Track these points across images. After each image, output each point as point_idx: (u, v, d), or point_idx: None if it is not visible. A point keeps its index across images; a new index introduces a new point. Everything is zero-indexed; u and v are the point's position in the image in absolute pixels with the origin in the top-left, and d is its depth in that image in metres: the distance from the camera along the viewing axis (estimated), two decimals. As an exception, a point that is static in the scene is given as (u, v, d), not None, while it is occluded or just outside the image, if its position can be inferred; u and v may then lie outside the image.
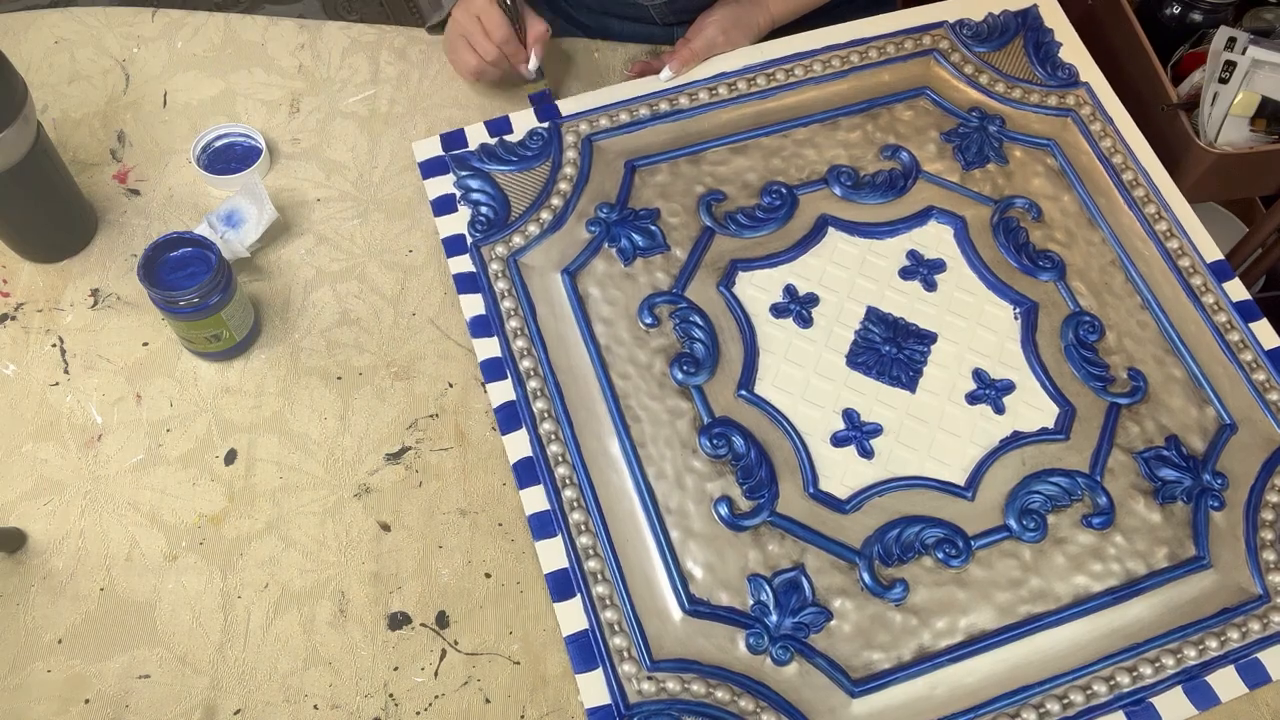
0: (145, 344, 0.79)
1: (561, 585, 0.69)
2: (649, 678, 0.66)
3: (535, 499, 0.72)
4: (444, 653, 0.70)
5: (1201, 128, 1.08)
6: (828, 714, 0.66)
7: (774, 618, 0.69)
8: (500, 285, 0.79)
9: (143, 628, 0.69)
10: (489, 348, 0.77)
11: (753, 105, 0.89)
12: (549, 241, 0.81)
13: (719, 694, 0.66)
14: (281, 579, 0.71)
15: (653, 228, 0.82)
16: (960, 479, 0.74)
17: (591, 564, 0.70)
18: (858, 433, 0.75)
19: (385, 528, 0.73)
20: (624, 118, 0.87)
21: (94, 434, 0.75)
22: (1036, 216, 0.85)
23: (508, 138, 0.86)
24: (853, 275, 0.81)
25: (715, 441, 0.74)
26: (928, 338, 0.79)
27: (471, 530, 0.74)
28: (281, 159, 0.89)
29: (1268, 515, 0.74)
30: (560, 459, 0.73)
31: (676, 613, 0.69)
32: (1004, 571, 0.71)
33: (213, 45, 0.95)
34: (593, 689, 0.66)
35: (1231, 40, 1.08)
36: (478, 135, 0.86)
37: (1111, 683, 0.69)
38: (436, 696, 0.68)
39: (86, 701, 0.67)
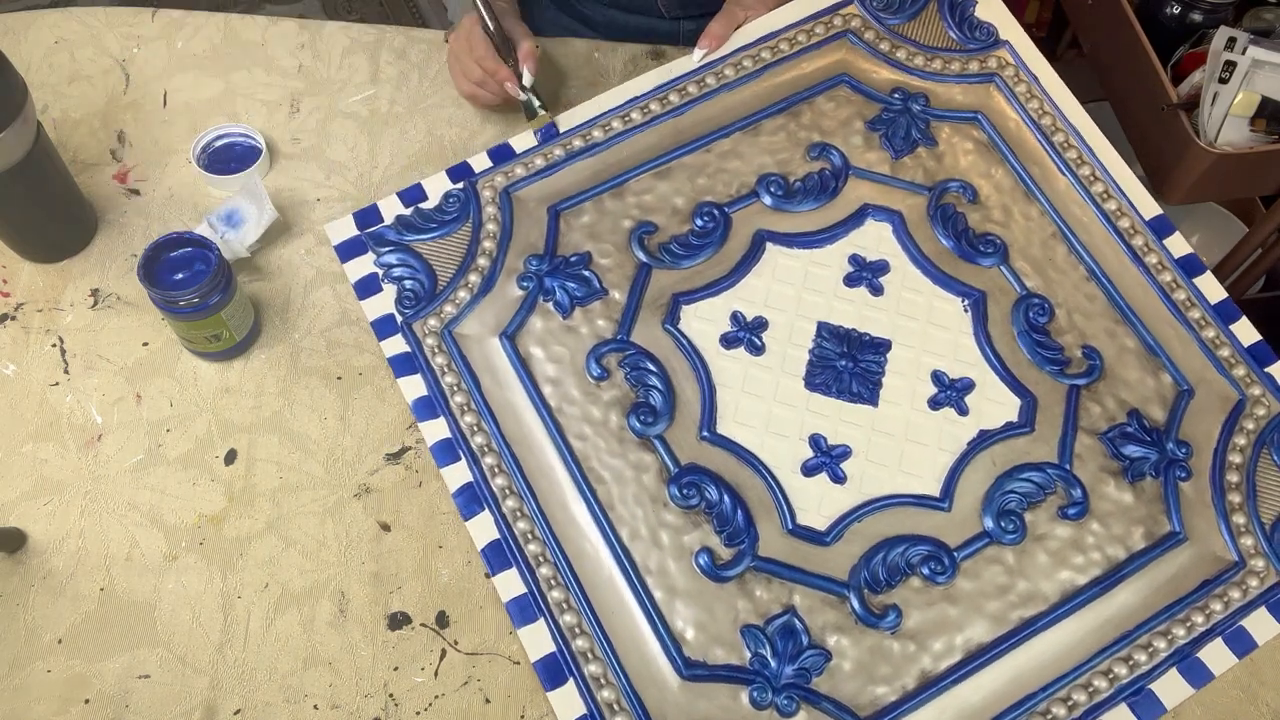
0: (145, 344, 0.79)
1: (553, 671, 0.67)
2: None
3: (510, 583, 0.69)
4: (444, 653, 0.70)
5: (1201, 128, 1.08)
6: None
7: (774, 667, 0.67)
8: (439, 361, 0.75)
9: (143, 628, 0.69)
10: (437, 429, 0.74)
11: (669, 124, 0.85)
12: (481, 305, 0.77)
13: None
14: (281, 579, 0.71)
15: (586, 273, 0.78)
16: (935, 489, 0.73)
17: (580, 643, 0.67)
18: (827, 458, 0.74)
19: (385, 528, 0.73)
20: (539, 163, 0.83)
21: (94, 434, 0.75)
22: (971, 198, 0.82)
23: (423, 205, 0.82)
24: (798, 290, 0.79)
25: (685, 491, 0.71)
26: (882, 345, 0.78)
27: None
28: (281, 159, 0.89)
29: (1233, 477, 0.75)
30: (530, 536, 0.70)
31: (674, 679, 0.67)
32: (991, 579, 0.71)
33: (213, 45, 0.95)
34: None
35: (1231, 40, 1.08)
36: (392, 208, 0.82)
37: (1110, 676, 0.69)
38: (436, 696, 0.68)
39: (86, 701, 0.67)
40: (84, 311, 0.80)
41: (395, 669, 0.69)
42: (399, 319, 0.77)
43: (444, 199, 0.82)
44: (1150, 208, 0.83)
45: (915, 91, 0.87)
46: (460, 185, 0.83)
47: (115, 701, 0.67)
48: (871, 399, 0.76)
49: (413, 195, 0.83)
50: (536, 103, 0.85)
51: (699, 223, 0.81)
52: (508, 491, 0.72)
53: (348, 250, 0.81)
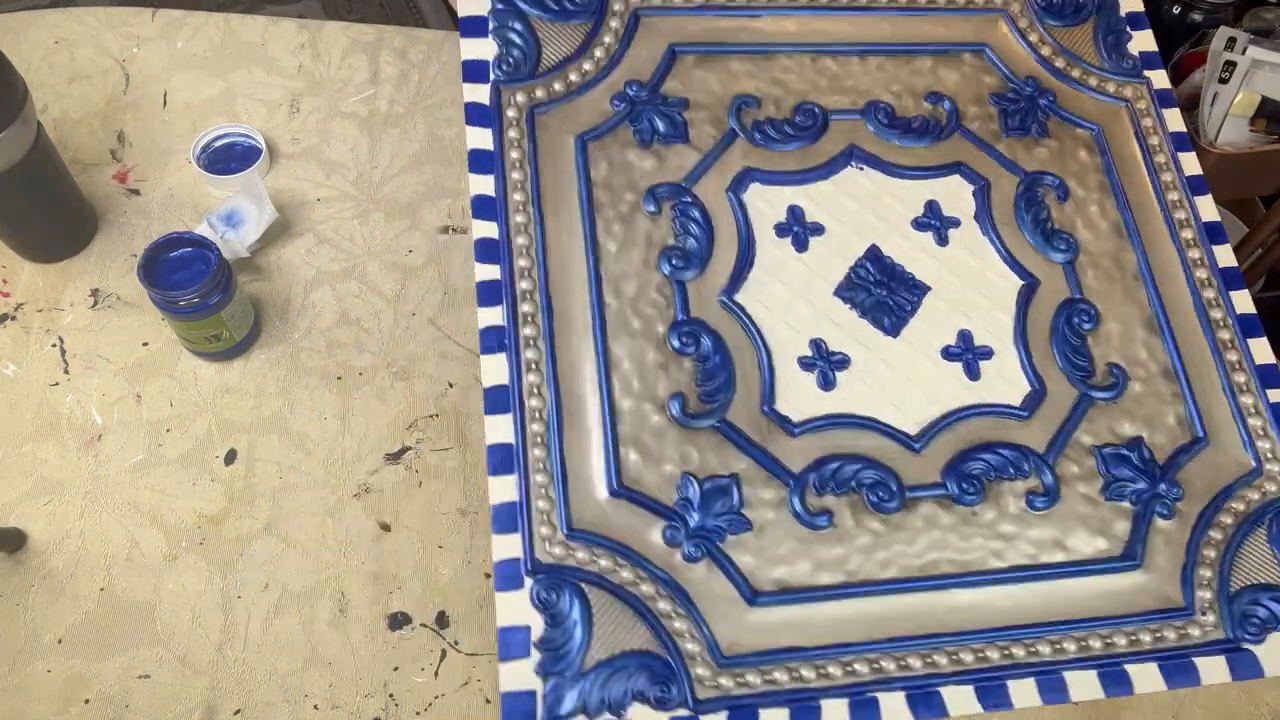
0: (145, 344, 0.79)
1: (503, 456, 0.68)
2: (562, 544, 0.66)
3: (496, 368, 0.70)
4: (444, 653, 0.70)
5: (1201, 128, 1.08)
6: (721, 618, 0.67)
7: (696, 516, 0.69)
8: (511, 134, 0.77)
9: (143, 628, 0.69)
10: (484, 184, 0.76)
11: (812, 21, 0.87)
12: (571, 105, 0.80)
13: (624, 574, 0.66)
14: (281, 579, 0.71)
15: (678, 117, 0.81)
16: (913, 430, 0.74)
17: (535, 427, 0.69)
18: (824, 362, 0.75)
19: (385, 528, 0.73)
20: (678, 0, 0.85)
21: (94, 434, 0.75)
22: (1062, 197, 0.84)
23: None
24: (864, 211, 0.81)
25: (684, 339, 0.74)
26: (920, 289, 0.79)
27: (471, 530, 0.73)
28: (281, 159, 0.89)
29: (1215, 534, 0.73)
30: (529, 319, 0.72)
31: (602, 491, 0.68)
32: (932, 525, 0.71)
33: (213, 45, 0.95)
34: (507, 546, 0.66)
35: (1231, 40, 1.08)
36: None
37: (1031, 650, 0.68)
38: (436, 697, 0.68)
39: (86, 701, 0.67)
40: (84, 311, 0.80)
41: (395, 669, 0.69)
42: (491, 76, 0.79)
43: None
44: (1227, 258, 0.84)
45: (1047, 86, 0.89)
46: None
47: (115, 701, 0.67)
48: (893, 330, 0.77)
49: None
50: None
51: (799, 118, 0.83)
52: (525, 274, 0.73)
53: (471, 26, 0.81)
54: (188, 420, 0.76)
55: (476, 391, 0.79)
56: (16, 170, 0.74)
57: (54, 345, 0.79)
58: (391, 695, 0.68)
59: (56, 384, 0.77)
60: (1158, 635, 0.70)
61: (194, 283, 0.73)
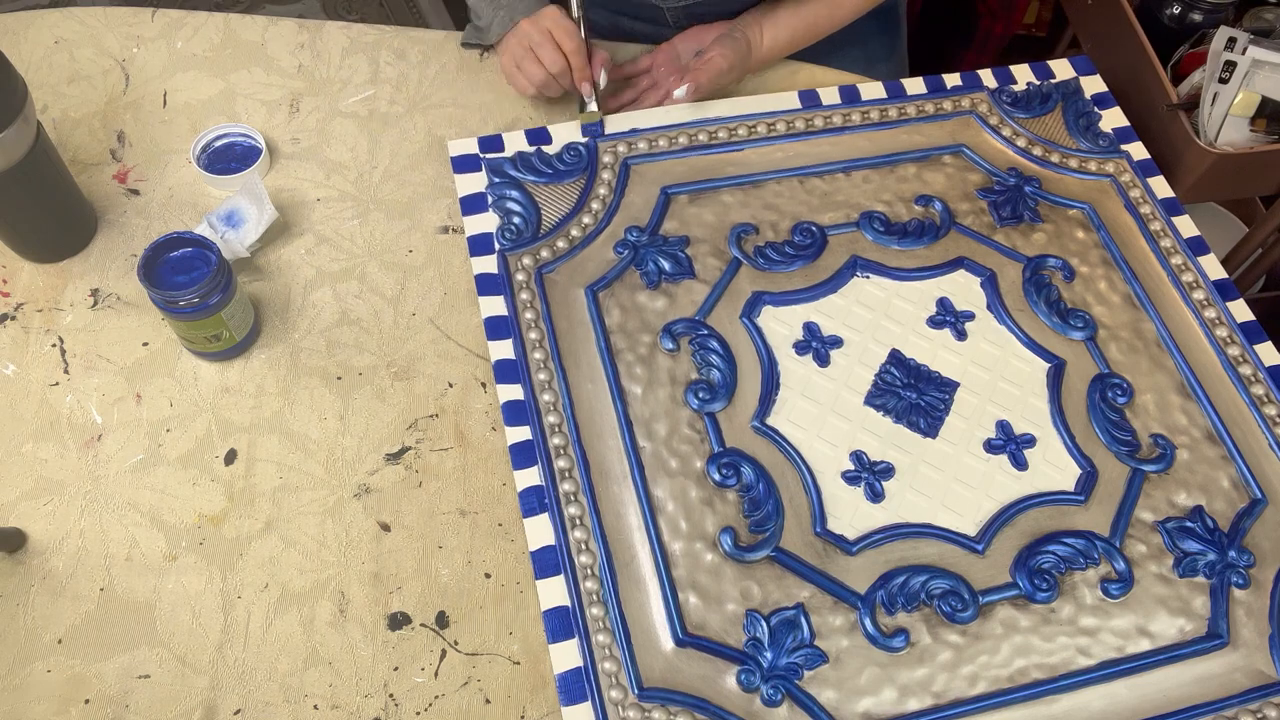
0: (145, 344, 0.79)
1: (560, 620, 0.68)
2: (635, 705, 0.65)
3: (540, 530, 0.71)
4: (444, 653, 0.70)
5: (1201, 128, 1.08)
6: None
7: (768, 655, 0.67)
8: (523, 296, 0.79)
9: (143, 628, 0.69)
10: (503, 350, 0.78)
11: (791, 146, 0.90)
12: (577, 259, 0.82)
13: None
14: (281, 579, 0.71)
15: (681, 254, 0.82)
16: (972, 531, 0.73)
17: (589, 584, 0.69)
18: (868, 474, 0.74)
19: (385, 528, 0.73)
20: (663, 144, 0.88)
21: (94, 434, 0.75)
22: (1069, 277, 0.84)
23: (545, 148, 0.86)
24: (878, 317, 0.81)
25: (724, 471, 0.73)
26: (949, 385, 0.78)
27: (471, 530, 0.74)
28: (281, 159, 0.89)
29: None
30: (566, 475, 0.72)
31: (668, 642, 0.67)
32: (1011, 630, 0.69)
33: (213, 45, 0.95)
34: (577, 714, 0.65)
35: (1231, 40, 1.08)
36: (514, 143, 0.87)
37: None
38: (436, 697, 0.68)
39: (86, 701, 0.67)
40: (84, 311, 0.80)
41: (395, 669, 0.69)
42: (497, 246, 0.82)
43: (565, 149, 0.87)
44: (1243, 314, 0.84)
45: (1030, 174, 0.90)
46: (585, 141, 0.87)
47: (115, 701, 0.67)
48: (930, 432, 0.76)
49: (537, 136, 0.87)
50: (593, 101, 0.89)
51: (797, 237, 0.85)
52: (557, 430, 0.74)
53: (460, 165, 0.85)
54: (188, 420, 0.76)
55: (477, 391, 0.79)
56: (16, 170, 0.74)
57: (54, 345, 0.79)
58: (391, 695, 0.68)
59: (56, 384, 0.77)
60: (1260, 715, 0.68)
61: (194, 283, 0.73)
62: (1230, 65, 1.06)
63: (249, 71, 0.94)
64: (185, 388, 0.78)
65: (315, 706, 0.67)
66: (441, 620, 0.71)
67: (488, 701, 0.68)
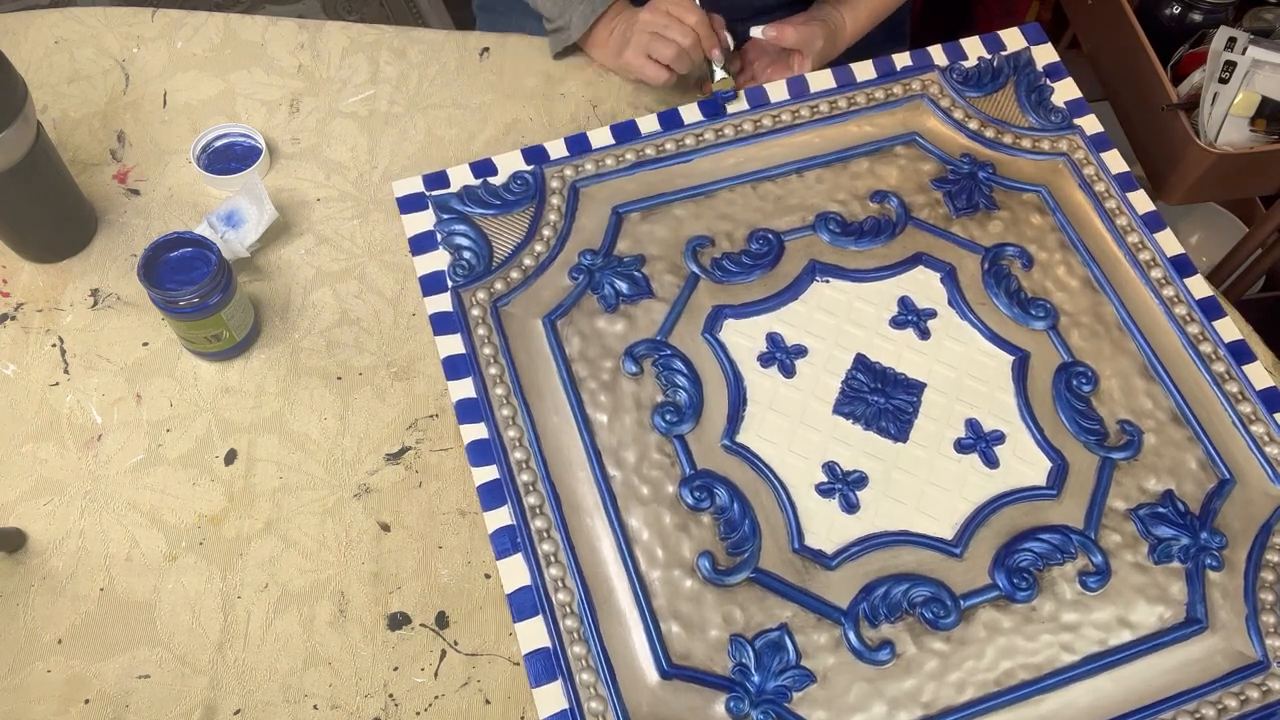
0: (145, 344, 0.79)
1: (543, 663, 0.67)
2: None
3: (515, 569, 0.69)
4: (444, 653, 0.70)
5: (1201, 128, 1.08)
6: None
7: (755, 679, 0.67)
8: (480, 332, 0.77)
9: (142, 628, 0.69)
10: (464, 389, 0.75)
11: (741, 151, 0.87)
12: (531, 288, 0.79)
13: None
14: (281, 579, 0.71)
15: (637, 274, 0.80)
16: (949, 534, 0.72)
17: (569, 622, 0.68)
18: (842, 485, 0.73)
19: (385, 528, 0.73)
20: (610, 163, 0.85)
21: (94, 434, 0.75)
22: (1027, 265, 0.83)
23: (491, 180, 0.84)
24: (840, 322, 0.80)
25: (697, 494, 0.72)
26: (916, 387, 0.78)
27: (471, 530, 0.74)
28: (281, 159, 0.89)
29: (1268, 575, 0.72)
30: (538, 511, 0.71)
31: (653, 675, 0.66)
32: (995, 632, 0.69)
33: (213, 45, 0.95)
34: None
35: (1231, 40, 1.08)
36: (460, 176, 0.84)
37: None
38: (436, 697, 0.68)
39: (86, 701, 0.67)
40: (84, 311, 0.81)
41: (395, 669, 0.69)
42: (449, 284, 0.79)
43: (512, 179, 0.84)
44: (1202, 290, 0.84)
45: (983, 160, 0.89)
46: (531, 169, 0.84)
47: (115, 701, 0.67)
48: (900, 436, 0.76)
49: (483, 168, 0.84)
50: (722, 70, 0.89)
51: (754, 245, 0.83)
52: (524, 466, 0.72)
53: (408, 204, 0.82)
54: (188, 420, 0.77)
55: (476, 391, 0.79)
56: (16, 170, 0.74)
57: (54, 345, 0.79)
58: (391, 695, 0.68)
59: (56, 384, 0.77)
60: (1242, 698, 0.68)
61: (194, 283, 0.73)
62: (1230, 65, 1.06)
63: (249, 71, 0.94)
64: (185, 388, 0.78)
65: (315, 706, 0.67)
66: (441, 620, 0.71)
67: (487, 702, 0.68)
